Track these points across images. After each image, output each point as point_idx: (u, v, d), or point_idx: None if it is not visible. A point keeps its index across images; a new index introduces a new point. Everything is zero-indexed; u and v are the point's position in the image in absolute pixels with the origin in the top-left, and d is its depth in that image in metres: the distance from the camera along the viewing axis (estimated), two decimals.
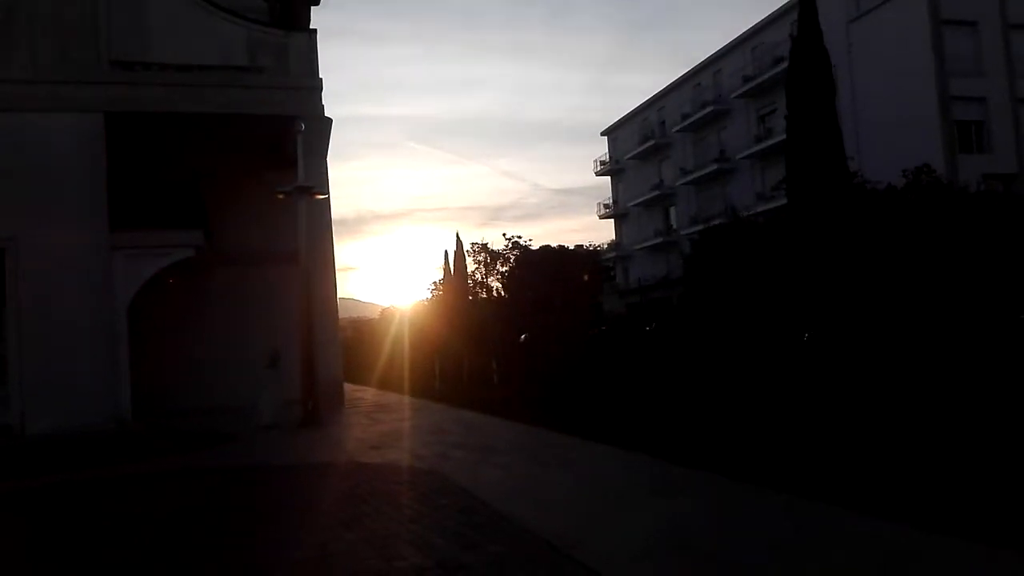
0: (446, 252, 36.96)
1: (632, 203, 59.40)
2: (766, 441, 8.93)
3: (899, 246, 14.01)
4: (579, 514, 6.81)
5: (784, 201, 20.99)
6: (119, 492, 9.11)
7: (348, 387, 23.17)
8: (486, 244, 38.66)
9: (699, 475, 7.96)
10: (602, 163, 65.25)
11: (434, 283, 41.39)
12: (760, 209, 40.36)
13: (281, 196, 15.67)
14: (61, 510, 8.14)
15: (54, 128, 15.61)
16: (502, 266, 37.90)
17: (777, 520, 6.20)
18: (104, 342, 15.35)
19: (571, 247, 40.58)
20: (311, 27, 20.12)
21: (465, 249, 36.47)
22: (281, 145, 17.63)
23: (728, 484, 7.46)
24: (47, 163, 15.48)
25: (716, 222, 36.38)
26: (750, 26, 45.80)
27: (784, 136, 18.65)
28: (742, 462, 8.00)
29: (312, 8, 22.34)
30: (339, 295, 20.91)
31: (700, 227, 42.16)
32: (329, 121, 17.72)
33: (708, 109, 49.07)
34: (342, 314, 24.69)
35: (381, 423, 15.29)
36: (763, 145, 43.49)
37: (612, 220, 64.42)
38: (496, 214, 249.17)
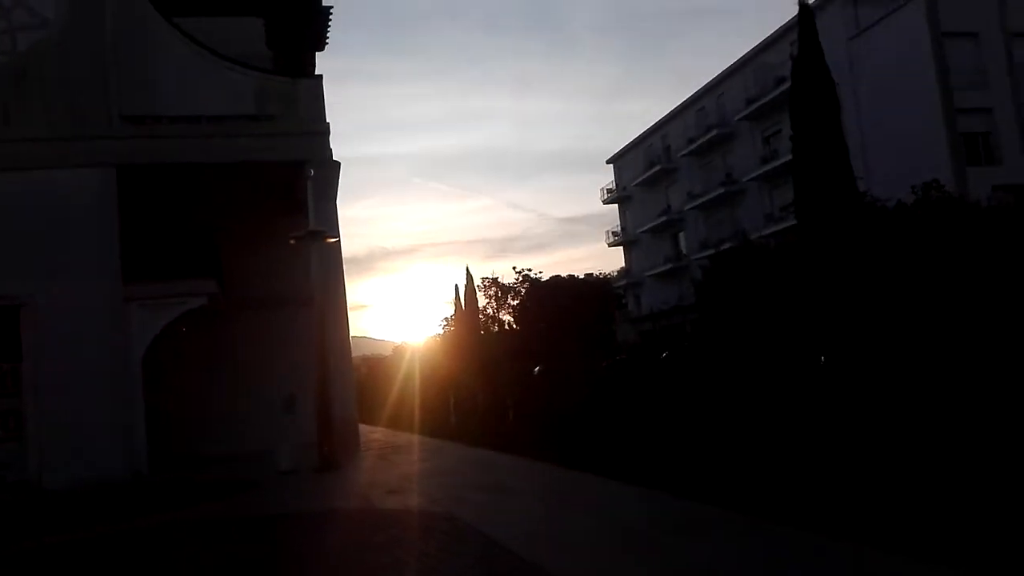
0: (456, 287, 36.99)
1: (640, 230, 59.41)
2: (784, 473, 8.80)
3: (911, 265, 13.90)
4: (600, 557, 6.71)
5: (794, 222, 20.95)
6: (130, 548, 9.05)
7: (362, 427, 23.10)
8: (496, 279, 38.76)
9: (718, 513, 7.84)
10: (609, 191, 65.41)
11: (445, 319, 41.42)
12: (770, 231, 40.31)
13: (293, 242, 15.77)
14: (74, 570, 8.10)
15: (67, 184, 15.83)
16: (513, 299, 37.90)
17: (801, 560, 6.09)
18: (120, 394, 15.42)
19: (581, 276, 40.58)
20: (317, 73, 20.46)
21: (475, 284, 36.51)
22: (292, 190, 17.80)
23: (750, 522, 7.34)
24: (61, 218, 15.68)
25: (726, 246, 36.30)
26: (750, 48, 46.11)
27: (790, 156, 18.64)
28: (762, 498, 7.88)
29: (316, 53, 22.72)
30: (352, 333, 20.94)
31: (710, 252, 42.01)
32: (337, 165, 17.89)
33: (712, 133, 49.22)
34: (355, 352, 24.67)
35: (397, 465, 15.21)
36: (769, 166, 43.52)
37: (621, 248, 64.42)
38: (504, 246, 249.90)
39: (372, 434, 24.56)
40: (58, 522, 11.02)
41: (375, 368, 46.47)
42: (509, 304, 38.22)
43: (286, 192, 18.17)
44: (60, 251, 15.56)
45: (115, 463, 14.80)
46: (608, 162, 65.46)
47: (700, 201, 50.98)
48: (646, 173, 57.76)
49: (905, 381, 10.09)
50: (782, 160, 39.92)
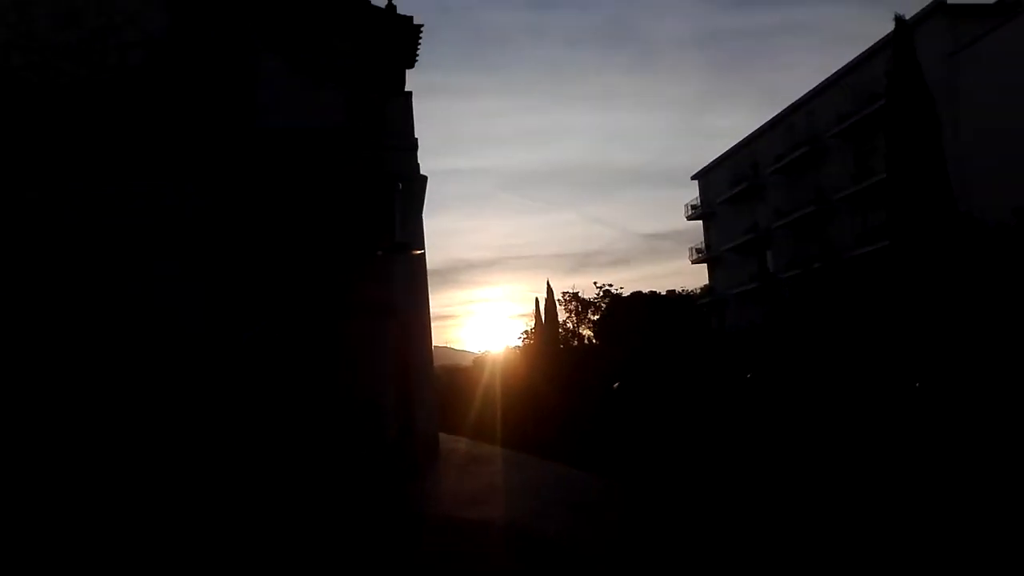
0: (537, 300, 37.23)
1: (725, 247, 58.42)
2: (878, 504, 8.54)
3: (1013, 289, 13.29)
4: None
5: (887, 243, 20.27)
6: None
7: (443, 437, 23.35)
8: (576, 293, 38.83)
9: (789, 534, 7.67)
10: (693, 207, 64.61)
11: (525, 332, 41.64)
12: (861, 251, 39.08)
13: (380, 254, 16.17)
14: None
15: (171, 195, 16.59)
16: (593, 314, 37.85)
17: None
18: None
19: (663, 293, 40.15)
20: (406, 89, 20.98)
21: (556, 298, 36.62)
22: (380, 203, 18.24)
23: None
24: (166, 228, 16.46)
25: (815, 266, 35.40)
26: (842, 64, 44.90)
27: (884, 175, 18.11)
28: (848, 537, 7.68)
29: (407, 70, 23.28)
30: (433, 344, 21.24)
31: (798, 271, 41.05)
32: (424, 179, 18.27)
33: (802, 149, 48.08)
34: (436, 362, 25.01)
35: (475, 476, 15.34)
36: (862, 185, 42.21)
37: (705, 265, 63.48)
38: (585, 260, 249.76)
39: (454, 444, 24.78)
40: None
41: (456, 378, 46.96)
42: (589, 319, 38.18)
43: (374, 205, 18.63)
44: (163, 257, 16.35)
45: None
46: (693, 178, 64.73)
47: (788, 219, 49.83)
48: (732, 190, 56.85)
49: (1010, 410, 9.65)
50: (876, 179, 38.70)
